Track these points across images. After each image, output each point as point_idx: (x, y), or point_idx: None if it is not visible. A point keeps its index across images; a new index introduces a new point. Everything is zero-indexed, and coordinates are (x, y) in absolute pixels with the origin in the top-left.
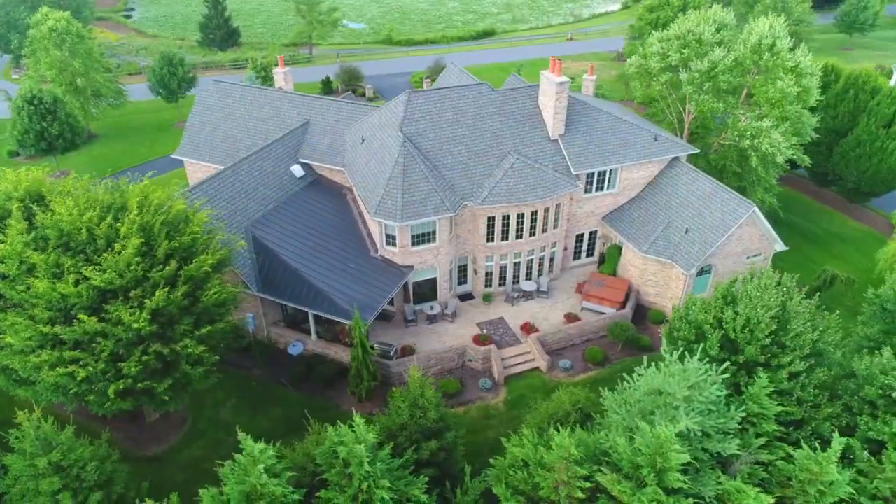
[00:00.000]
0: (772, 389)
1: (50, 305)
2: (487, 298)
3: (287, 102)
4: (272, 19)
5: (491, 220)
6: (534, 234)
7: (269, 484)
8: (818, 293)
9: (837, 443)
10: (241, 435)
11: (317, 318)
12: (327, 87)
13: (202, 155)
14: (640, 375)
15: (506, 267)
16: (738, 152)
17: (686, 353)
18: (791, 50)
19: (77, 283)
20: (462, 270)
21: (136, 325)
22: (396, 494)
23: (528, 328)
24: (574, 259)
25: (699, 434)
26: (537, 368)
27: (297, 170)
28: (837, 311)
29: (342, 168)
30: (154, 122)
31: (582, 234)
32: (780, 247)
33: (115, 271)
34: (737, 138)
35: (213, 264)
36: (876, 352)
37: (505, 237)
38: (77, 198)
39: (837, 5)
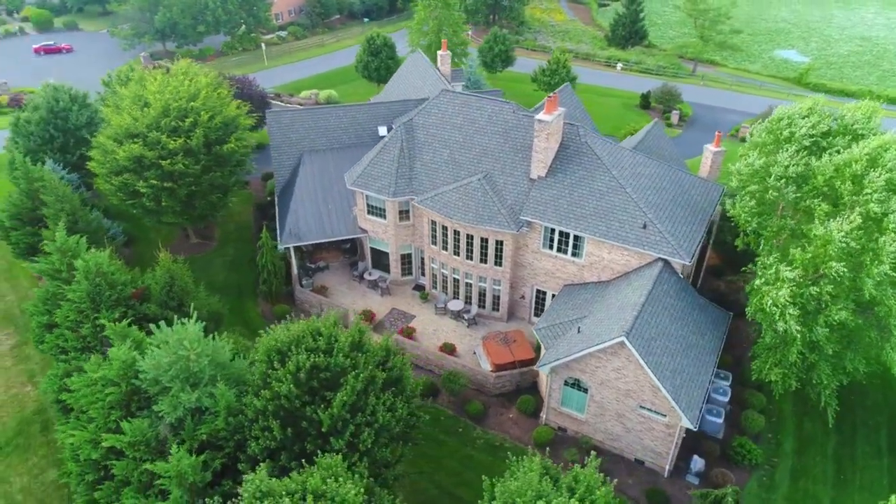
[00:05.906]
0: None
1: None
2: (424, 297)
3: (429, 80)
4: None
5: (433, 223)
6: (470, 259)
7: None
8: None
9: None
10: None
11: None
12: (644, 101)
13: None
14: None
15: (447, 277)
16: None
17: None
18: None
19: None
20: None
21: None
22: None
23: (402, 332)
24: (536, 315)
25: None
26: None
27: (382, 130)
28: None
29: None
30: None
31: (544, 293)
32: (686, 423)
33: (144, 125)
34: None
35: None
36: None
37: (444, 247)
38: (162, 82)
39: None
